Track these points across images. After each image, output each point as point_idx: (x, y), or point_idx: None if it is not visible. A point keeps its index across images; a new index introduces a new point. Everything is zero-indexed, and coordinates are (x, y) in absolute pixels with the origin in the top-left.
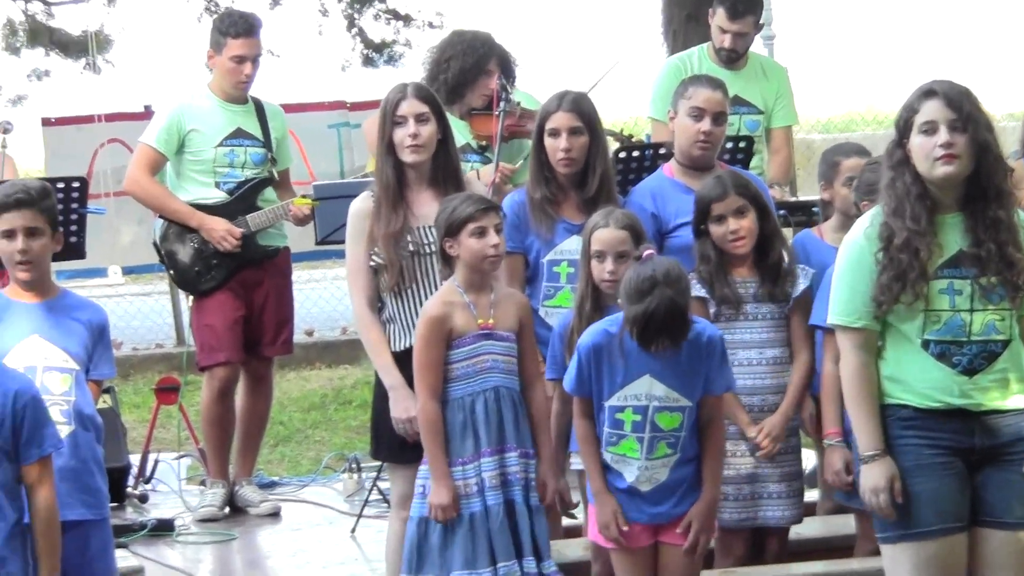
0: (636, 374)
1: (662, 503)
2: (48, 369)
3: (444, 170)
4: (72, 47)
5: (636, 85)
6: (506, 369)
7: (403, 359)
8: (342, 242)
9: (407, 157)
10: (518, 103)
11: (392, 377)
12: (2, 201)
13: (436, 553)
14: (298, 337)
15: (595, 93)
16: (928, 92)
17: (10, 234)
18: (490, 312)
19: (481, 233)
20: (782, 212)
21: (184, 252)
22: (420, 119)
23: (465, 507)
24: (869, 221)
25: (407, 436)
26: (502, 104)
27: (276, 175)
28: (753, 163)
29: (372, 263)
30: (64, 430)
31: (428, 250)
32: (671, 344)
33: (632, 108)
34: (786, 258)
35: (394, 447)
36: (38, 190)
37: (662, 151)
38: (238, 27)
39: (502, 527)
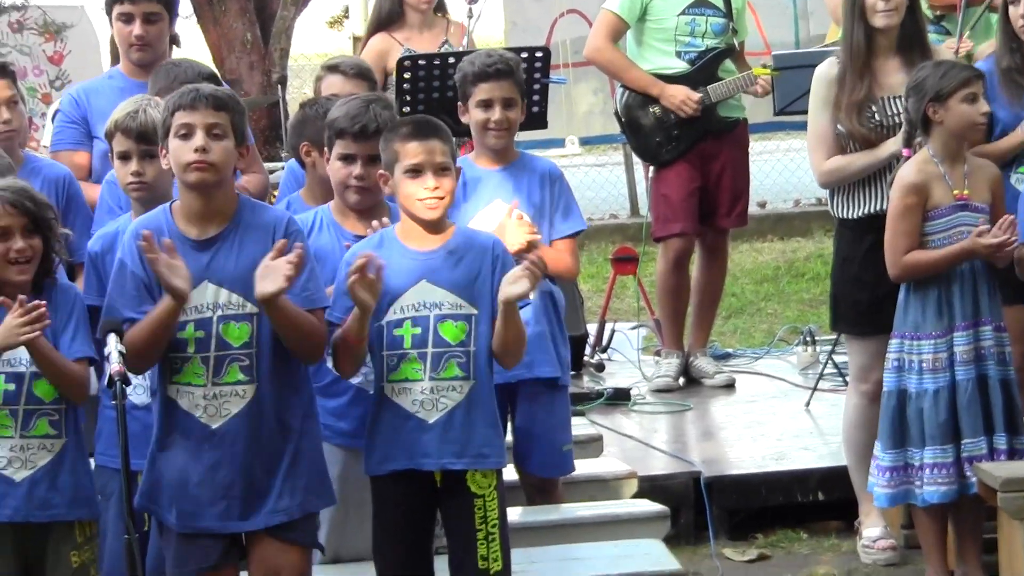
0: None
1: None
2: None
3: (912, 37)
4: None
5: None
6: None
7: (857, 226)
8: (800, 112)
9: (878, 21)
10: None
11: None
12: (481, 71)
13: (913, 426)
14: (751, 209)
15: None
16: None
17: (487, 104)
18: (964, 183)
19: (973, 99)
20: None
21: (645, 122)
22: None
23: (932, 382)
24: None
25: None
26: None
27: (736, 45)
28: None
29: (837, 131)
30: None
31: (892, 121)
32: None
33: None
34: None
35: (852, 319)
36: (514, 61)
37: None
38: None
39: (971, 403)
